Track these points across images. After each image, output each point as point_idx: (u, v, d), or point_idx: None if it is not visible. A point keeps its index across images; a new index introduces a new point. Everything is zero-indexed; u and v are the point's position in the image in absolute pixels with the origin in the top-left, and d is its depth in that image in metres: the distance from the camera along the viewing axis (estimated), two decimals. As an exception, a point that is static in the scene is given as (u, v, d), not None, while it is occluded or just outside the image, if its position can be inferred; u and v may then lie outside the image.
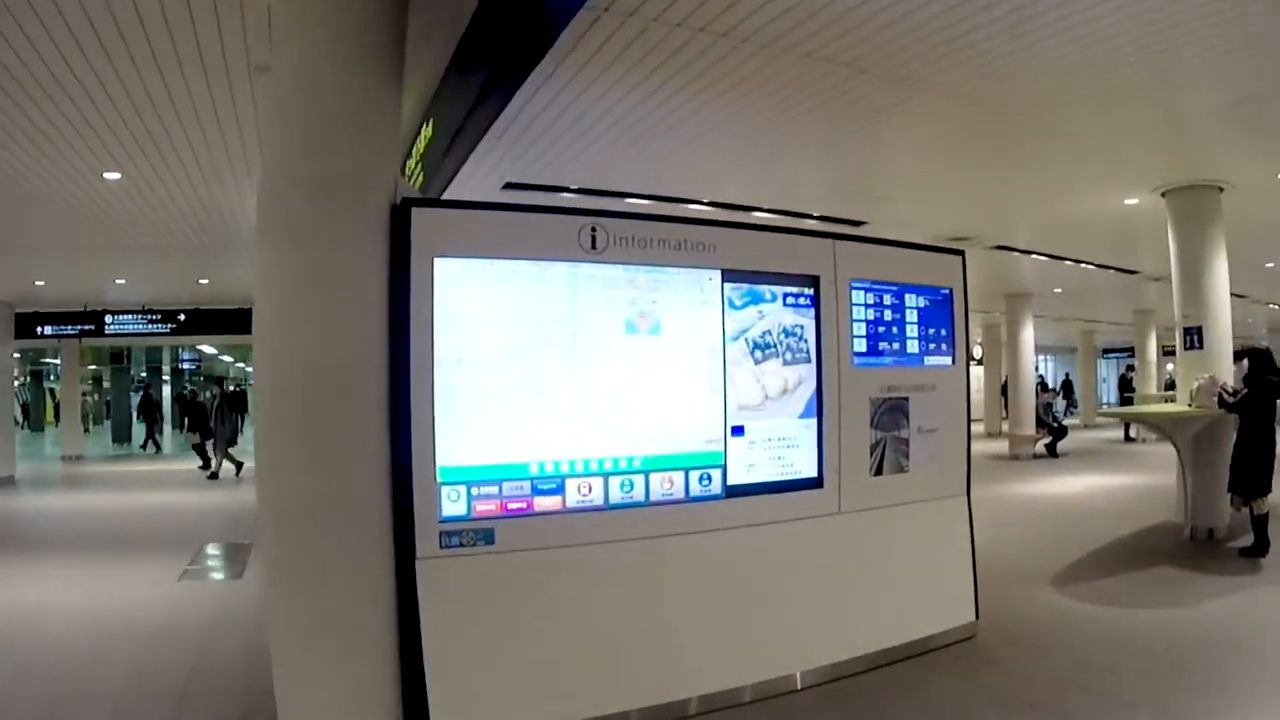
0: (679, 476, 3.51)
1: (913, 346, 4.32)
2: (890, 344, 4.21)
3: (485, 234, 3.24)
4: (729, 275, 3.65)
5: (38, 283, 13.11)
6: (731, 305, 3.65)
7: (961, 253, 4.64)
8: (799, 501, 3.81)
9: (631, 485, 3.41)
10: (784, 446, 3.79)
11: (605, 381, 3.36)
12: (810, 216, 8.33)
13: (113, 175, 6.53)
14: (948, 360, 4.49)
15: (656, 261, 3.49)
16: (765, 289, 3.77)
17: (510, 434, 3.21)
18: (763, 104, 5.08)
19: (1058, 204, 8.63)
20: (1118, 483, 11.24)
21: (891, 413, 4.18)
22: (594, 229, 3.38)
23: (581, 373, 3.32)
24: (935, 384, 4.39)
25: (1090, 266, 13.19)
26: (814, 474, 3.87)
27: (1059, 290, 16.26)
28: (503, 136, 5.50)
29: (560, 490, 3.29)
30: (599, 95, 4.90)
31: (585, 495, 3.33)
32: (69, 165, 6.18)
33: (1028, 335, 16.39)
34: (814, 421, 3.87)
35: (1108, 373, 35.50)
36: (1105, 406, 28.39)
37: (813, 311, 3.89)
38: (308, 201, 2.99)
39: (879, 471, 4.12)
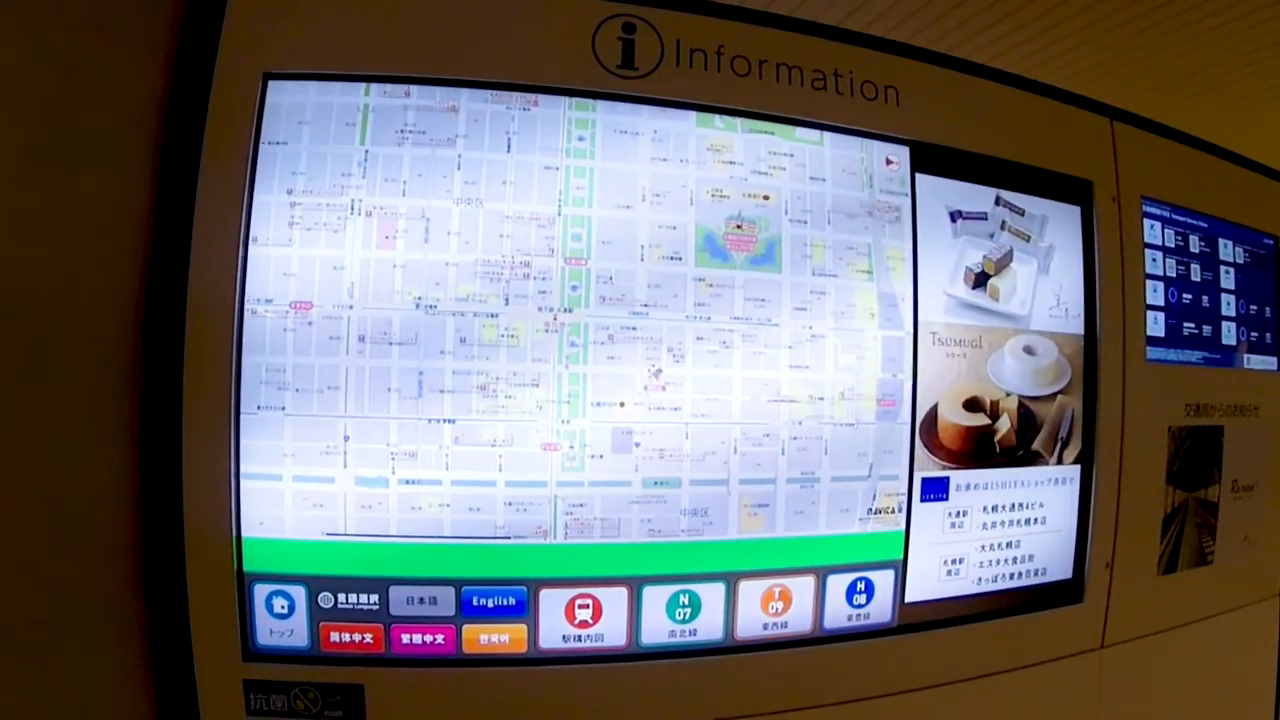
0: (802, 587, 1.60)
1: (1228, 334, 2.33)
2: (1199, 326, 2.24)
3: (385, 31, 1.43)
4: (928, 159, 1.73)
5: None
6: (943, 221, 1.75)
7: (1286, 178, 2.62)
8: (1037, 630, 1.88)
9: (695, 605, 1.54)
10: (1018, 522, 1.85)
11: (644, 375, 1.49)
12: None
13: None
14: (1272, 363, 2.48)
15: (773, 110, 1.60)
16: (1005, 198, 1.82)
17: (410, 480, 1.40)
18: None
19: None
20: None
21: (1197, 454, 2.21)
22: (628, 25, 1.52)
23: (590, 352, 1.46)
24: (1258, 404, 2.40)
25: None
26: (1066, 574, 1.93)
27: None
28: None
29: (523, 611, 1.45)
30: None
31: (586, 625, 1.48)
32: None
33: None
34: (1075, 471, 1.92)
35: None
36: None
37: (1080, 248, 1.95)
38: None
39: (1172, 565, 2.16)
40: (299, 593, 1.38)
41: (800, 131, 1.61)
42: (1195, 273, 2.22)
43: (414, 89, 1.43)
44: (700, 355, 1.50)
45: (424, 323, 1.39)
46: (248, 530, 1.35)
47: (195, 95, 1.33)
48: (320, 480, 1.37)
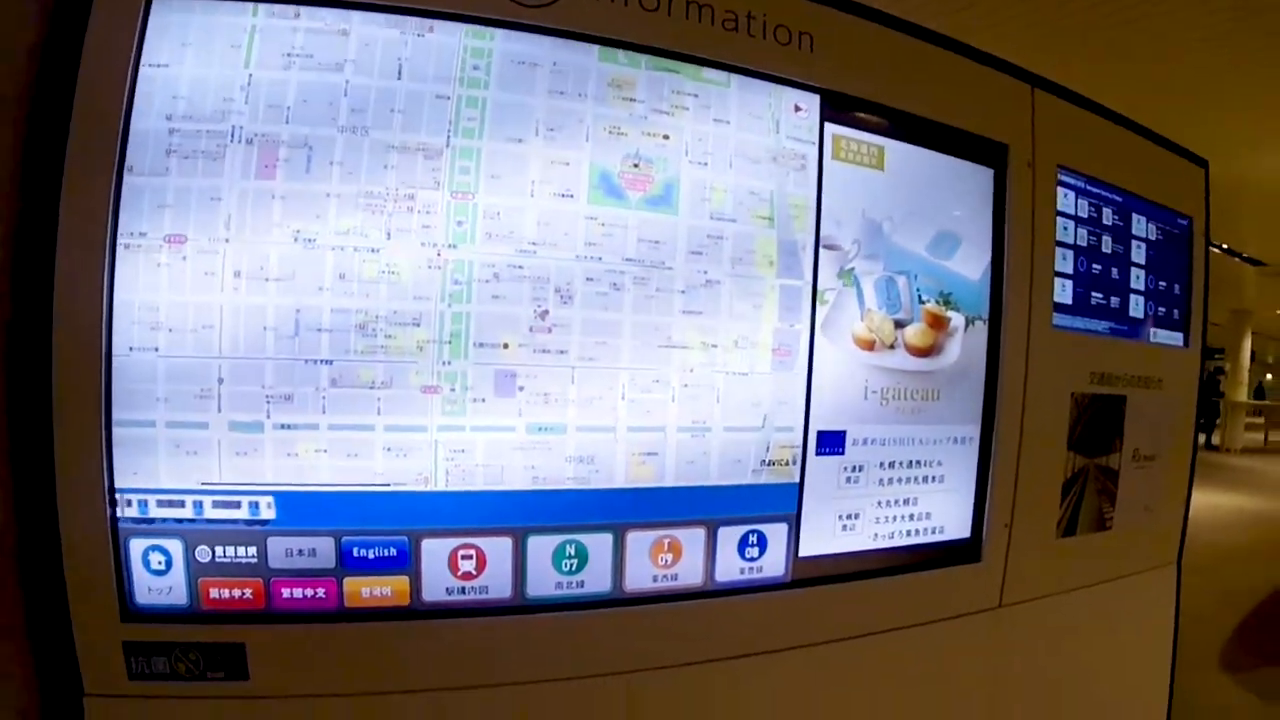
0: (693, 539, 1.57)
1: (1136, 307, 2.35)
2: (1107, 297, 2.25)
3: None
4: (838, 109, 1.69)
5: None
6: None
7: (1205, 164, 2.64)
8: (935, 588, 1.88)
9: (582, 556, 1.50)
10: (915, 479, 1.85)
11: (529, 315, 1.42)
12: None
13: None
14: (1179, 339, 2.52)
15: (676, 47, 1.53)
16: (911, 152, 1.80)
17: (286, 425, 1.32)
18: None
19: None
20: (1236, 504, 9.40)
21: (1099, 423, 2.24)
22: (530, -52, 1.45)
23: (474, 290, 1.39)
24: (1162, 377, 2.44)
25: (1217, 250, 11.10)
26: (964, 534, 1.94)
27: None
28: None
29: (405, 562, 1.39)
30: None
31: (470, 577, 1.43)
32: None
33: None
34: (975, 431, 1.93)
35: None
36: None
37: (989, 210, 1.94)
38: None
39: (1071, 528, 2.19)
40: (176, 547, 1.30)
41: (707, 72, 1.55)
42: (1106, 245, 2.23)
43: (303, 10, 1.34)
44: (589, 296, 1.45)
45: (302, 257, 1.32)
46: (121, 480, 1.27)
47: (75, 11, 1.23)
48: (194, 426, 1.29)
